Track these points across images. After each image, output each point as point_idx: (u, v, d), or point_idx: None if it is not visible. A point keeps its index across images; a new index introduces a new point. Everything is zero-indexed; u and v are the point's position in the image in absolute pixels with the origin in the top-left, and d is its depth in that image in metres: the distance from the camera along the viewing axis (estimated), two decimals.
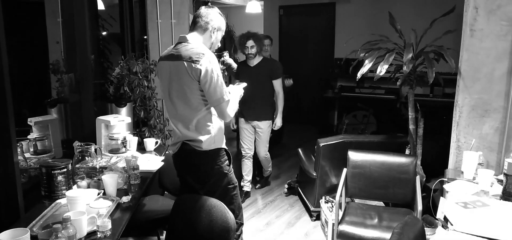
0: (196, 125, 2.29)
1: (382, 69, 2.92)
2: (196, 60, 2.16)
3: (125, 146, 2.98)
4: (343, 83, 6.54)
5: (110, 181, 2.17)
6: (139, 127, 3.70)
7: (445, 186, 2.40)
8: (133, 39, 4.57)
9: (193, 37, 2.31)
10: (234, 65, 4.21)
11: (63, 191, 2.15)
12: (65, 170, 2.14)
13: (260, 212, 3.97)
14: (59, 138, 2.93)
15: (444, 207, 2.06)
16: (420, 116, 3.31)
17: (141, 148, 3.18)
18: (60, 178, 2.12)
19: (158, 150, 3.18)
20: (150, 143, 3.17)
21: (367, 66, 3.01)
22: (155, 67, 3.25)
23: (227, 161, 2.43)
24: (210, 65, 2.17)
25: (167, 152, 3.07)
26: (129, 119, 3.01)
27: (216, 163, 2.36)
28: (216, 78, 2.18)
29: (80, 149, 2.44)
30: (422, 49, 3.13)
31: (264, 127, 4.05)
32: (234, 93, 2.42)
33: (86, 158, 2.45)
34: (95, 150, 2.51)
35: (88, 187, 2.26)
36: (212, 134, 2.32)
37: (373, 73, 3.00)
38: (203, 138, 2.30)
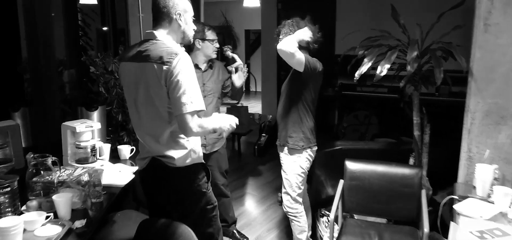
0: (168, 139, 1.92)
1: (383, 69, 2.58)
2: (168, 61, 1.78)
3: (94, 155, 2.67)
4: (343, 81, 6.20)
5: (62, 201, 1.86)
6: (117, 131, 3.38)
7: (456, 207, 2.07)
8: (116, 34, 4.26)
9: (161, 34, 1.94)
10: (239, 60, 3.47)
11: (8, 214, 1.84)
12: (8, 189, 1.83)
13: (251, 224, 3.65)
14: (21, 146, 2.62)
15: (456, 236, 1.73)
16: (426, 121, 2.96)
17: (115, 156, 2.88)
18: (2, 199, 1.80)
19: (135, 159, 2.86)
20: (125, 150, 2.85)
21: (366, 65, 2.67)
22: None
23: (205, 178, 2.08)
24: (183, 67, 1.80)
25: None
26: (99, 125, 2.69)
27: (193, 181, 2.00)
28: (188, 83, 1.80)
29: (34, 162, 2.12)
30: (429, 46, 2.79)
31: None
32: (221, 118, 2.03)
33: (42, 172, 2.13)
34: (53, 162, 2.19)
35: (40, 208, 1.95)
36: (187, 149, 1.95)
37: (375, 71, 2.68)
38: (176, 154, 1.93)
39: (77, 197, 2.00)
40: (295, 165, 2.75)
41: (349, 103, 6.01)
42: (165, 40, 1.91)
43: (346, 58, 3.21)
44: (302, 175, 2.78)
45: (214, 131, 2.02)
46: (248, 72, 3.09)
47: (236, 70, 2.98)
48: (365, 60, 2.70)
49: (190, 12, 2.00)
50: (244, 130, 5.87)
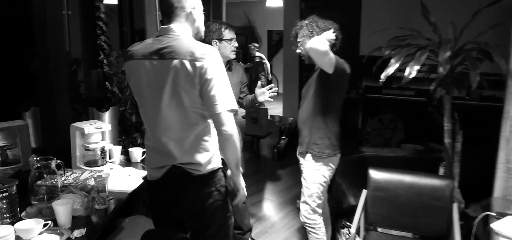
0: (192, 143, 1.75)
1: (412, 71, 2.38)
2: (201, 57, 1.64)
3: (104, 158, 2.56)
4: (368, 83, 5.97)
5: (61, 209, 1.74)
6: (131, 133, 3.27)
7: (494, 226, 1.85)
8: (133, 34, 4.18)
9: (179, 28, 1.77)
10: (265, 60, 3.25)
11: (6, 221, 1.74)
12: (6, 194, 1.73)
13: (267, 232, 3.49)
14: (30, 147, 2.54)
15: None
16: (458, 127, 2.73)
17: (127, 159, 2.78)
18: None
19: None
20: (136, 153, 2.74)
21: (393, 66, 2.47)
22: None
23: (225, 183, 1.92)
24: (217, 63, 1.68)
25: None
26: (109, 126, 2.58)
27: (216, 188, 1.82)
28: (222, 80, 1.69)
29: (37, 165, 2.02)
30: (462, 46, 2.57)
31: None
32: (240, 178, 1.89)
33: (45, 175, 2.03)
34: (57, 165, 2.08)
35: (40, 214, 1.85)
36: (209, 151, 1.79)
37: (402, 72, 2.48)
38: (202, 158, 1.76)
39: (79, 204, 1.88)
40: (317, 173, 2.57)
41: (373, 106, 5.75)
42: (184, 36, 1.76)
43: (371, 59, 3.01)
44: (324, 184, 2.59)
45: (237, 165, 1.81)
46: (272, 74, 2.87)
47: (263, 85, 2.78)
48: (392, 60, 2.50)
49: (201, 6, 1.86)
50: (263, 132, 5.71)
